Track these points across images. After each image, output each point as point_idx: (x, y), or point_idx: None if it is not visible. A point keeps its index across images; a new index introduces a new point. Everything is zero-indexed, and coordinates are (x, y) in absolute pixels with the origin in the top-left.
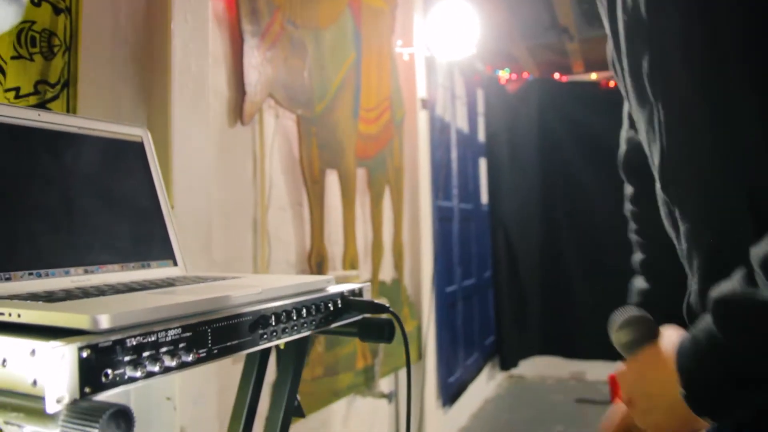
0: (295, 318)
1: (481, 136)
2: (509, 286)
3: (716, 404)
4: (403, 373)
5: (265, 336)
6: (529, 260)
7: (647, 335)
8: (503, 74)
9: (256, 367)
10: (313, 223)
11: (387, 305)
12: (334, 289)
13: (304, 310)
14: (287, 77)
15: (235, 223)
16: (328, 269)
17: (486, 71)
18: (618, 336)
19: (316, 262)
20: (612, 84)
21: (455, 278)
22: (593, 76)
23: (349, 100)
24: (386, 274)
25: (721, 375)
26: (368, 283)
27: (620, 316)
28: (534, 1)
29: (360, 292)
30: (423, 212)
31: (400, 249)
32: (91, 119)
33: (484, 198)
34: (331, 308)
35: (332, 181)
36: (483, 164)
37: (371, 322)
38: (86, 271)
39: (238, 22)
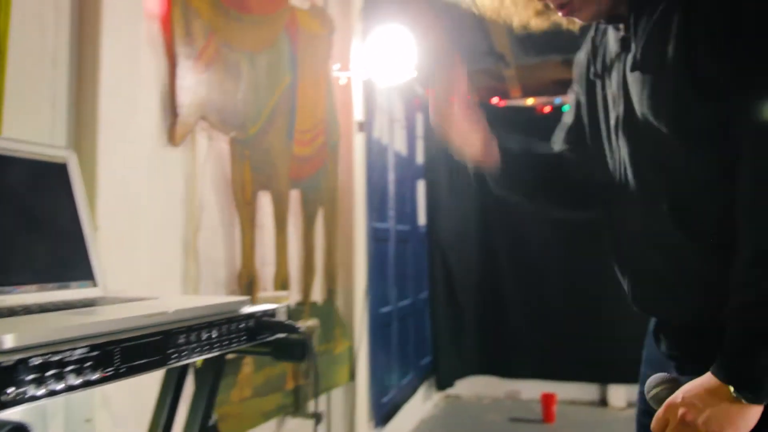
0: (205, 338)
1: (420, 159)
2: (446, 306)
3: None
4: (335, 393)
5: (174, 355)
6: (466, 281)
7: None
8: None
9: (173, 386)
10: (244, 244)
11: (297, 326)
12: (247, 310)
13: (215, 330)
14: (221, 100)
15: (165, 243)
16: (258, 290)
17: (426, 95)
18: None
19: (246, 283)
20: (547, 109)
21: (390, 299)
22: (530, 101)
23: (284, 123)
24: (318, 294)
25: None
26: (284, 305)
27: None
28: (471, 29)
29: (273, 314)
30: (357, 233)
31: (333, 270)
32: (15, 140)
33: (422, 219)
34: (244, 329)
35: (265, 202)
36: (421, 186)
37: (284, 342)
38: (2, 292)
39: (171, 44)
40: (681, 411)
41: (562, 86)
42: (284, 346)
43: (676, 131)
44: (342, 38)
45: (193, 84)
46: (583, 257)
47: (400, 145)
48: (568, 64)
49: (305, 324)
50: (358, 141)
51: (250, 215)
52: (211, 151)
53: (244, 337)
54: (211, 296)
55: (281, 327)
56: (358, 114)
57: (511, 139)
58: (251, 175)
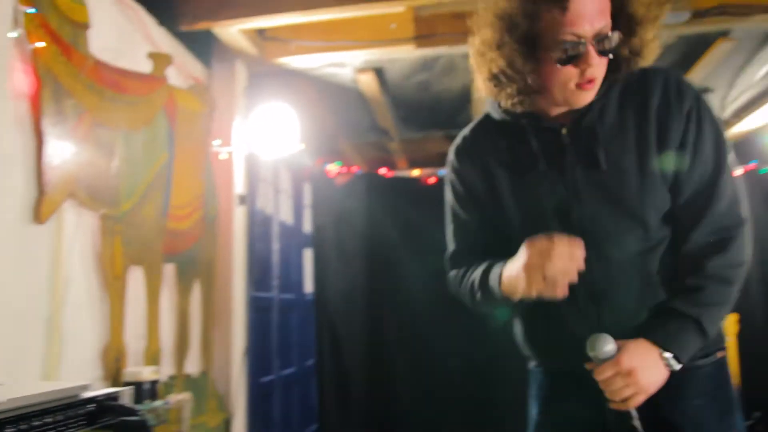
0: (38, 425)
1: (307, 227)
2: (333, 373)
3: None
4: None
5: None
6: (354, 347)
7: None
8: (333, 168)
9: None
10: (112, 319)
11: (137, 409)
12: (88, 394)
13: (50, 417)
14: (92, 177)
15: (24, 323)
16: (127, 365)
17: (315, 165)
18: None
19: (114, 359)
20: (432, 180)
21: (273, 367)
22: (416, 172)
23: (159, 199)
24: (193, 366)
25: None
26: (128, 387)
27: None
28: (355, 106)
29: (116, 397)
30: (236, 304)
31: (210, 341)
32: None
33: (309, 287)
34: (83, 414)
35: (136, 277)
36: (308, 255)
37: (125, 425)
38: None
39: (39, 123)
40: (627, 365)
41: (444, 159)
42: (125, 429)
43: (625, 213)
44: (224, 115)
45: (61, 162)
46: (475, 323)
47: (286, 214)
48: (449, 138)
49: (176, 398)
50: (239, 213)
51: (119, 290)
52: (79, 228)
53: (84, 422)
54: (50, 382)
55: (121, 410)
56: (239, 187)
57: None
58: (122, 251)
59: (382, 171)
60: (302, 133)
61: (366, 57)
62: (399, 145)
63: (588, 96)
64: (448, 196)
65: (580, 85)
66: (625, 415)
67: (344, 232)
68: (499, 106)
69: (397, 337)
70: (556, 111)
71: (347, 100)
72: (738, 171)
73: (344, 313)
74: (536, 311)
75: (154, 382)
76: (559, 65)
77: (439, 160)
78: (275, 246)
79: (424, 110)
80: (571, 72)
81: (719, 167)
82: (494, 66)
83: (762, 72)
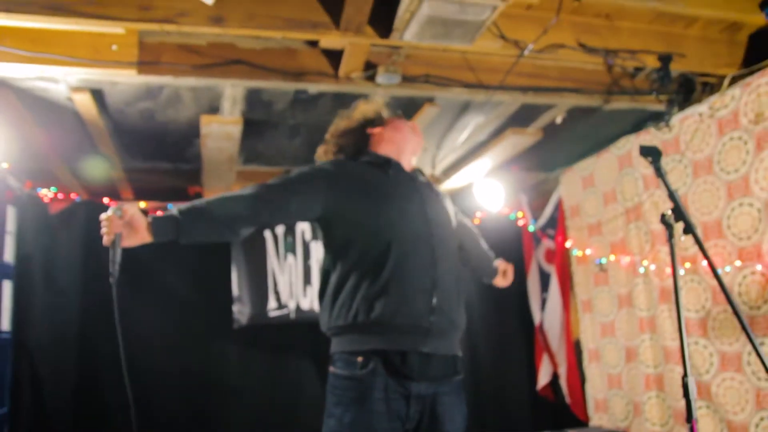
0: None
1: (9, 257)
2: (32, 419)
3: None
4: None
5: None
6: (61, 389)
7: None
8: (46, 192)
9: None
10: None
11: None
12: None
13: None
14: None
15: None
16: None
17: (23, 188)
18: None
19: None
20: (159, 214)
21: None
22: (142, 204)
23: None
24: None
25: None
26: None
27: None
28: (72, 128)
29: None
30: None
31: None
32: None
33: (5, 324)
34: None
35: None
36: (7, 287)
37: None
38: None
39: None
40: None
41: (174, 193)
42: None
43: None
44: None
45: None
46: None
47: None
48: (179, 172)
49: None
50: None
51: None
52: None
53: None
54: None
55: None
56: None
57: None
58: None
59: (106, 200)
60: (6, 151)
61: (83, 76)
62: (122, 174)
63: None
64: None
65: None
66: None
67: (57, 264)
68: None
69: (111, 375)
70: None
71: (62, 121)
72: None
73: (51, 352)
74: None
75: None
76: None
77: (167, 194)
78: None
79: (150, 140)
80: None
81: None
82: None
83: (462, 137)
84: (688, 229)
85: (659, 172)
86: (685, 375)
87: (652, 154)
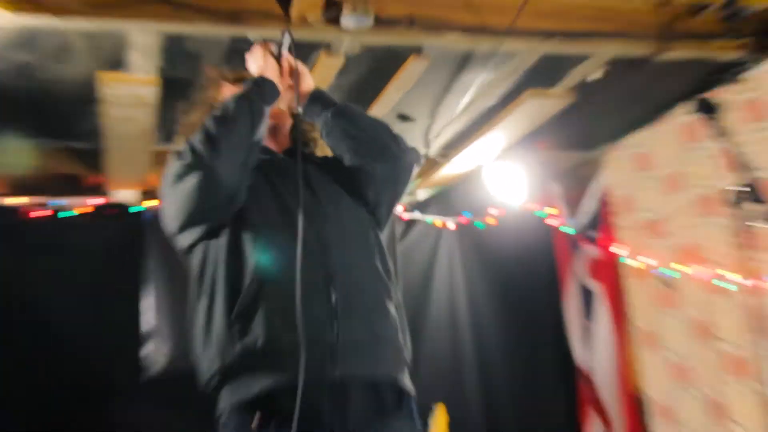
0: None
1: None
2: None
3: None
4: None
5: None
6: None
7: None
8: None
9: None
10: None
11: None
12: None
13: None
14: None
15: None
16: None
17: None
18: None
19: None
20: (39, 214)
21: None
22: (18, 200)
23: None
24: None
25: None
26: None
27: None
28: None
29: None
30: None
31: None
32: None
33: None
34: None
35: None
36: None
37: None
38: None
39: None
40: None
41: (63, 183)
42: None
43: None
44: None
45: None
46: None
47: None
48: (70, 152)
49: None
50: None
51: None
52: None
53: None
54: None
55: None
56: None
57: None
58: None
59: None
60: None
61: None
62: None
63: None
64: None
65: None
66: None
67: None
68: None
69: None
70: None
71: None
72: (450, 224)
73: None
74: None
75: None
76: None
77: (54, 186)
78: None
79: (29, 108)
80: None
81: None
82: None
83: (463, 103)
84: None
85: (719, 132)
86: None
87: (711, 110)
